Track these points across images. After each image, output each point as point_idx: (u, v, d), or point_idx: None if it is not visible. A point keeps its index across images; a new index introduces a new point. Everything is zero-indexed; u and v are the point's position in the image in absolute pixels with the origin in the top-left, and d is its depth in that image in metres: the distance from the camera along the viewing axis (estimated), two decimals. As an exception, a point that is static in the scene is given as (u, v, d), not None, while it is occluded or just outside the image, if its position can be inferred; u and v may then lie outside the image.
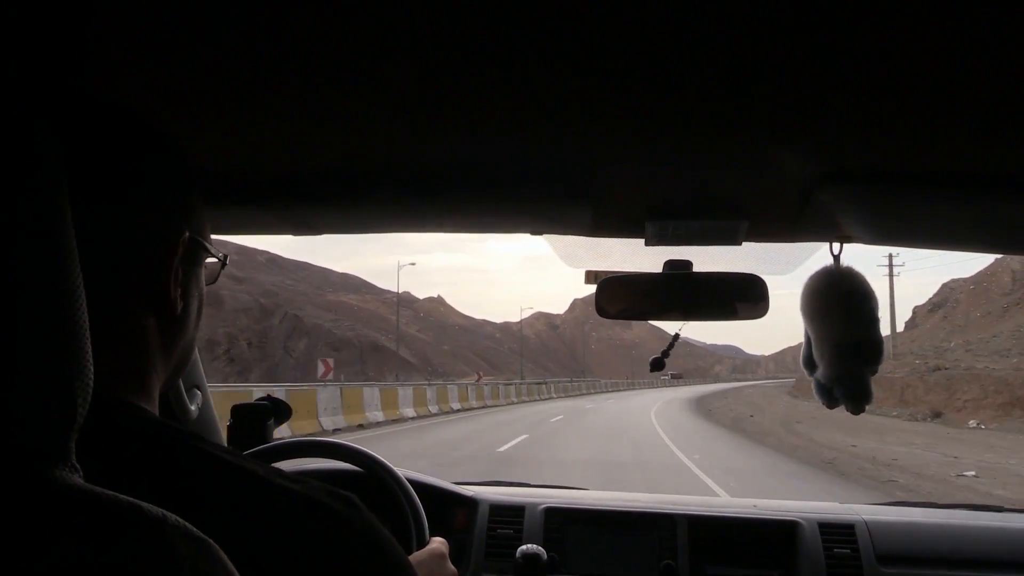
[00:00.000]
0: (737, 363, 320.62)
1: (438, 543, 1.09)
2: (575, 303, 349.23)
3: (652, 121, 0.89)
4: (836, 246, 1.27)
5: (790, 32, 0.68)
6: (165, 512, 0.40)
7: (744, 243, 1.30)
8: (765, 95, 0.81)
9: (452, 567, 1.06)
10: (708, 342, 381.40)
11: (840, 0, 0.63)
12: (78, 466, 0.41)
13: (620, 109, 0.86)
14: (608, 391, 69.42)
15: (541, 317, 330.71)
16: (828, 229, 1.24)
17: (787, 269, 1.47)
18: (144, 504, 0.40)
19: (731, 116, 0.87)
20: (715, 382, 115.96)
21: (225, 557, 0.43)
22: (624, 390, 75.27)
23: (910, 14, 0.64)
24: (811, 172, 1.02)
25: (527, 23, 0.67)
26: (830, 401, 1.29)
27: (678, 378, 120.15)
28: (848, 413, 1.31)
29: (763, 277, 1.40)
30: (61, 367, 0.39)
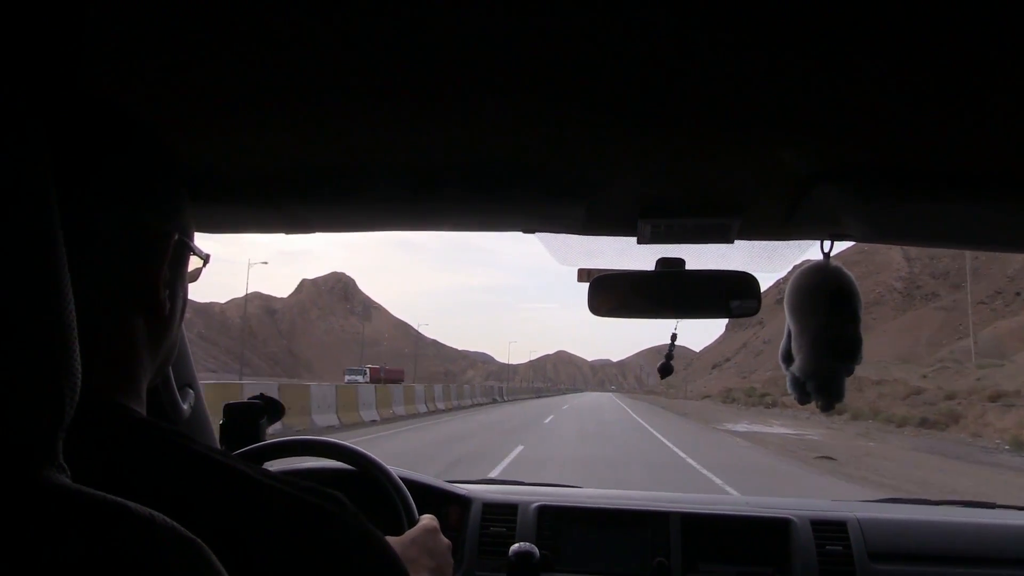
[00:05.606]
0: (492, 369, 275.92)
1: (428, 519, 1.09)
2: (303, 284, 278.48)
3: (645, 119, 0.89)
4: (827, 243, 1.28)
5: (784, 32, 0.68)
6: (152, 512, 0.40)
7: (737, 241, 1.30)
8: (758, 94, 0.81)
9: (445, 539, 1.07)
10: (460, 347, 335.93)
11: (838, 8, 0.63)
12: (65, 466, 0.41)
13: (613, 107, 0.86)
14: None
15: (256, 299, 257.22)
16: (820, 227, 1.25)
17: (780, 267, 1.46)
18: (131, 504, 0.40)
19: (724, 115, 0.87)
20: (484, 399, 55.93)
21: (213, 557, 0.43)
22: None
23: (904, 14, 0.64)
24: (804, 170, 1.02)
25: (520, 23, 0.68)
26: (802, 396, 1.29)
27: (396, 380, 73.49)
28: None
29: (755, 275, 1.39)
30: (48, 368, 0.39)
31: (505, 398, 55.45)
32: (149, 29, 0.70)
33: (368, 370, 76.02)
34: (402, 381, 76.23)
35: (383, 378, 72.60)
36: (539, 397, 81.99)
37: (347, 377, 71.67)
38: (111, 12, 0.66)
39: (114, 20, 0.68)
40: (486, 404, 41.59)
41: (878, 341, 73.41)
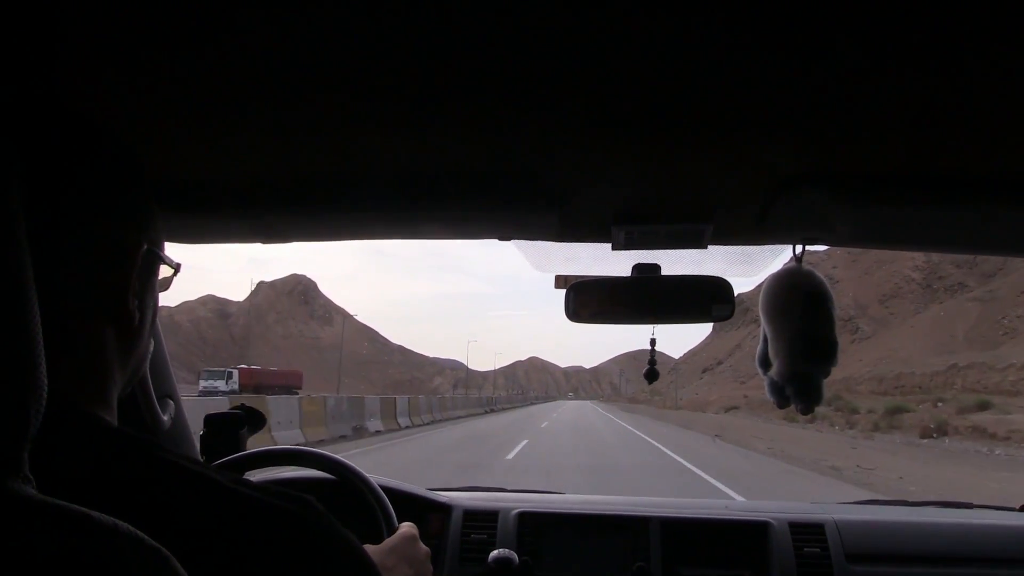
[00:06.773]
0: (461, 376, 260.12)
1: (407, 526, 1.10)
2: (260, 287, 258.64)
3: (615, 126, 0.90)
4: (799, 248, 1.30)
5: (758, 38, 0.69)
6: (116, 521, 0.40)
7: (711, 246, 1.32)
8: (730, 101, 0.82)
9: (424, 547, 1.08)
10: (431, 354, 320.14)
11: (808, 12, 0.63)
12: (31, 476, 0.41)
13: (584, 115, 0.87)
14: None
15: (210, 301, 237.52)
16: (792, 231, 1.26)
17: (754, 271, 1.48)
18: (94, 513, 0.40)
19: (694, 122, 0.88)
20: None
21: (178, 566, 0.43)
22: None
23: (878, 18, 0.65)
24: (774, 175, 1.04)
25: (491, 32, 0.69)
26: (781, 400, 1.30)
27: (288, 389, 53.97)
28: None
29: (730, 280, 1.41)
30: (13, 379, 0.39)
31: (417, 420, 26.14)
32: (121, 38, 0.70)
33: (237, 373, 50.87)
34: (299, 390, 53.49)
35: (267, 384, 49.86)
36: (489, 413, 47.65)
37: (203, 383, 48.44)
38: (82, 22, 0.66)
39: (85, 30, 0.68)
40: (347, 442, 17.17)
41: (905, 337, 58.66)
